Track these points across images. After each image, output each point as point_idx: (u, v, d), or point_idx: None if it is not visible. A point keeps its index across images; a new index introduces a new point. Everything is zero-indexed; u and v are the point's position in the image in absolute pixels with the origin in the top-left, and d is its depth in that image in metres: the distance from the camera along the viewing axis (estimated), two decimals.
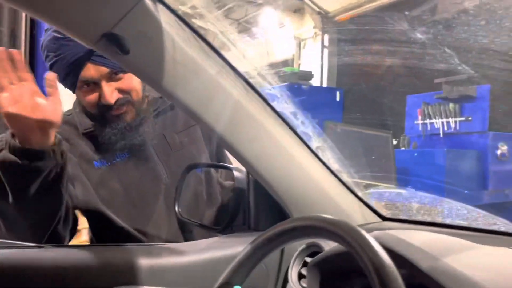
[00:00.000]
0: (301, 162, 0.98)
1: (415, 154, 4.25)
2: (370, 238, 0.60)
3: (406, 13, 5.53)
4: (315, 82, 6.21)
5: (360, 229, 0.63)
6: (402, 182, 3.91)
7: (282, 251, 1.02)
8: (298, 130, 1.02)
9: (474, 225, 1.11)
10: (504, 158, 4.36)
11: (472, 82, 4.48)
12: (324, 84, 6.47)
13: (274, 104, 1.01)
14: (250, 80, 0.95)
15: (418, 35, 5.29)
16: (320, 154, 1.04)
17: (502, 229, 1.09)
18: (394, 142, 4.56)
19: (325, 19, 6.99)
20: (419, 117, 4.79)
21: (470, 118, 4.50)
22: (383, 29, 5.55)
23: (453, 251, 0.84)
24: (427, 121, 4.74)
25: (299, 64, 7.12)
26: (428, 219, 1.23)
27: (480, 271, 0.72)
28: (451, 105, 4.59)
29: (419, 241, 0.90)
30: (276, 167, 0.97)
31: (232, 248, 0.96)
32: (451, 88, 4.47)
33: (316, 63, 7.07)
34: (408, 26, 5.41)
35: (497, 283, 0.65)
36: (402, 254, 0.81)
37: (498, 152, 4.34)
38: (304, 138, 1.03)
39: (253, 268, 0.74)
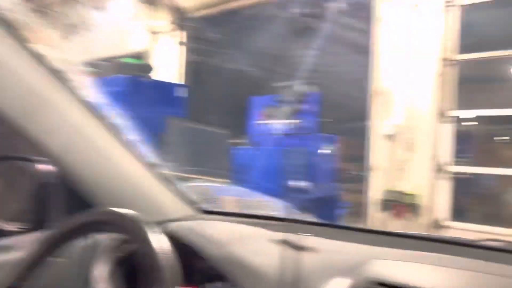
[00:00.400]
0: (111, 155, 0.96)
1: (256, 152, 4.58)
2: (150, 230, 0.63)
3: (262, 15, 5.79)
4: (165, 77, 6.13)
5: (143, 222, 0.64)
6: (240, 178, 4.19)
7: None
8: (111, 123, 0.99)
9: (277, 215, 1.26)
10: (327, 156, 5.04)
11: (306, 88, 5.03)
12: (177, 80, 6.46)
13: (86, 95, 0.96)
14: (62, 70, 0.89)
15: (267, 38, 5.65)
16: (134, 148, 1.03)
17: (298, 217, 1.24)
18: (238, 140, 4.84)
19: (181, 14, 6.97)
20: (262, 118, 5.19)
21: (302, 120, 5.06)
22: (235, 30, 5.75)
23: (242, 239, 0.94)
24: (269, 121, 5.17)
25: (150, 58, 6.96)
26: (243, 211, 1.35)
27: (260, 256, 0.82)
28: (287, 107, 5.09)
29: (218, 231, 0.97)
30: (82, 159, 0.92)
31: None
32: (287, 92, 4.96)
33: (169, 59, 7.00)
34: (259, 29, 5.71)
35: (270, 265, 0.74)
36: (193, 244, 0.87)
37: (324, 151, 4.99)
38: (118, 130, 1.00)
39: (38, 266, 0.70)
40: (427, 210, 4.64)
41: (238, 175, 4.17)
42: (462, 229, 4.45)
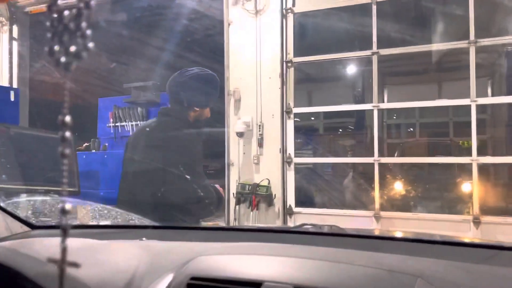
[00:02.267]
0: None
1: (105, 156, 4.35)
2: None
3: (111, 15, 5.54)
4: None
5: None
6: (88, 185, 3.95)
7: None
8: None
9: (115, 222, 1.25)
10: None
11: (157, 89, 4.98)
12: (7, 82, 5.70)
13: None
14: None
15: (115, 39, 5.41)
16: None
17: (137, 223, 1.25)
18: (86, 144, 4.53)
19: (13, 8, 6.18)
20: (111, 120, 4.95)
21: None
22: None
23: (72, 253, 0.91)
24: (118, 123, 4.96)
25: None
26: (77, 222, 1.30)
27: (91, 268, 0.81)
28: (139, 109, 4.97)
29: (47, 247, 0.92)
30: None
31: None
32: (138, 93, 4.84)
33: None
34: (108, 28, 5.44)
35: (99, 276, 0.74)
36: (14, 265, 0.81)
37: None
38: None
39: None
40: (279, 200, 5.06)
41: (87, 182, 3.92)
42: (308, 214, 4.97)
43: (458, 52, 4.35)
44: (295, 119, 5.16)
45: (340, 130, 9.47)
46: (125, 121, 4.96)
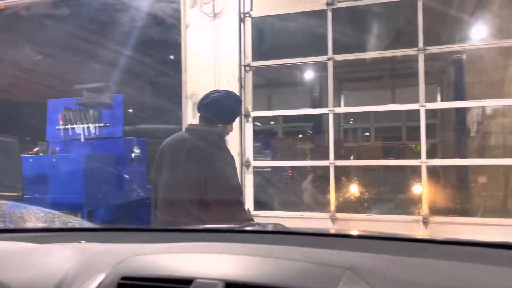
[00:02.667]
0: None
1: (53, 160, 4.19)
2: None
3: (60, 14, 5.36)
4: None
5: None
6: (35, 190, 3.78)
7: None
8: None
9: (52, 225, 1.21)
10: (137, 160, 4.97)
11: (110, 90, 4.85)
12: None
13: None
14: None
15: (65, 39, 5.24)
16: None
17: (76, 226, 1.21)
18: (37, 149, 4.35)
19: None
20: (61, 122, 4.76)
21: (108, 124, 4.86)
22: (33, 27, 5.15)
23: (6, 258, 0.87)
24: (69, 126, 4.78)
25: None
26: (11, 226, 1.25)
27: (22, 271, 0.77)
28: (91, 111, 4.81)
29: None
30: None
31: None
32: (90, 95, 4.69)
33: None
34: (57, 28, 5.26)
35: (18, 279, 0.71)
36: None
37: (133, 155, 4.91)
38: None
39: None
40: None
41: (34, 187, 3.75)
42: (267, 216, 5.00)
43: (410, 59, 4.53)
44: (255, 123, 5.19)
45: (299, 134, 9.63)
46: (76, 124, 4.79)
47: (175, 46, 5.49)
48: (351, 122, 9.89)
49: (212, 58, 5.19)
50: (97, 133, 4.81)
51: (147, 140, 5.48)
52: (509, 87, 4.78)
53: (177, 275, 0.69)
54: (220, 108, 2.55)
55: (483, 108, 5.71)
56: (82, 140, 4.79)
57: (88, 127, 4.75)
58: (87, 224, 1.35)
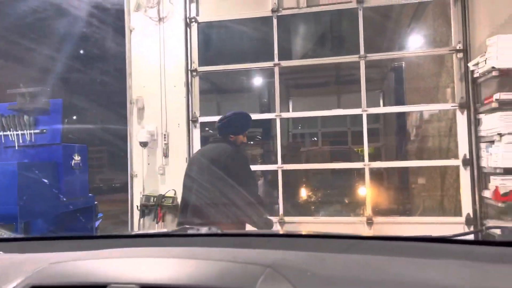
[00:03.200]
0: None
1: None
2: None
3: None
4: None
5: None
6: None
7: None
8: None
9: None
10: (78, 168, 4.76)
11: (46, 95, 4.62)
12: None
13: None
14: None
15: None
16: None
17: None
18: None
19: None
20: None
21: (44, 131, 4.62)
22: None
23: None
24: (1, 133, 4.48)
25: None
26: None
27: None
28: (25, 117, 4.55)
29: None
30: None
31: None
32: (25, 100, 4.43)
33: None
34: None
35: None
36: None
37: (73, 162, 4.69)
38: None
39: None
40: None
41: None
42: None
43: (354, 67, 4.70)
44: (206, 128, 5.13)
45: (249, 139, 9.68)
46: (10, 130, 4.51)
47: (120, 51, 5.35)
48: (299, 128, 10.10)
49: (158, 62, 5.11)
50: (33, 140, 4.55)
51: (89, 146, 5.26)
52: (443, 93, 5.08)
53: (90, 282, 0.66)
54: (230, 124, 3.30)
55: (421, 113, 6.04)
56: (16, 147, 4.51)
57: (23, 134, 4.48)
58: (10, 234, 1.26)
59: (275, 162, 4.97)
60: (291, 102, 9.34)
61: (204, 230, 1.06)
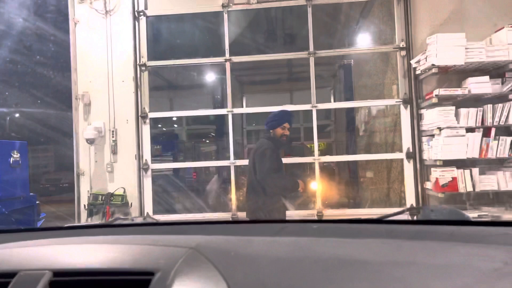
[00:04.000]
0: None
1: None
2: None
3: None
4: None
5: None
6: None
7: None
8: None
9: None
10: (17, 165, 4.52)
11: None
12: None
13: None
14: None
15: None
16: None
17: None
18: None
19: None
20: None
21: None
22: None
23: None
24: None
25: None
26: None
27: None
28: None
29: None
30: None
31: None
32: None
33: None
34: None
35: None
36: None
37: (11, 160, 4.45)
38: None
39: None
40: (136, 208, 4.85)
41: None
42: (169, 220, 4.87)
43: (306, 64, 4.78)
44: (159, 125, 5.05)
45: (203, 136, 9.60)
46: None
47: (64, 44, 5.12)
48: (253, 125, 10.14)
49: (105, 57, 4.94)
50: None
51: (35, 145, 5.01)
52: (389, 89, 5.29)
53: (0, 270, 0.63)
54: (267, 121, 3.98)
55: (369, 109, 6.25)
56: None
57: None
58: None
59: (228, 158, 4.96)
60: (245, 99, 9.36)
61: (138, 220, 1.04)
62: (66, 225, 1.07)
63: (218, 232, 0.86)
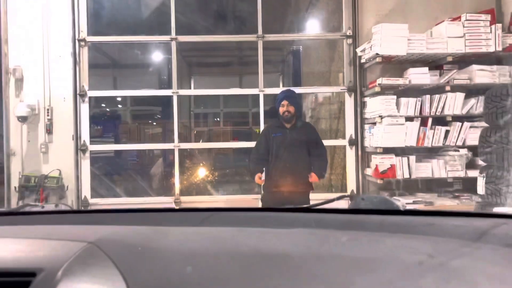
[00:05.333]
0: None
1: None
2: None
3: None
4: None
5: None
6: None
7: None
8: None
9: None
10: None
11: None
12: None
13: None
14: None
15: None
16: None
17: None
18: None
19: None
20: None
21: None
22: None
23: None
24: None
25: None
26: None
27: None
28: None
29: None
30: None
31: None
32: None
33: None
34: None
35: None
36: None
37: None
38: None
39: None
40: (72, 191, 4.61)
41: None
42: (106, 204, 4.68)
43: (256, 47, 4.71)
44: (102, 104, 4.78)
45: (148, 117, 9.31)
46: None
47: None
48: (202, 107, 9.97)
49: (40, 30, 4.58)
50: None
51: None
52: (335, 77, 5.37)
53: None
54: (275, 102, 4.03)
55: (316, 95, 6.33)
56: None
57: None
58: None
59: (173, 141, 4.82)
60: (193, 81, 9.16)
61: (49, 207, 0.94)
62: None
63: (132, 222, 0.78)
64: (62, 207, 0.93)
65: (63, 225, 0.73)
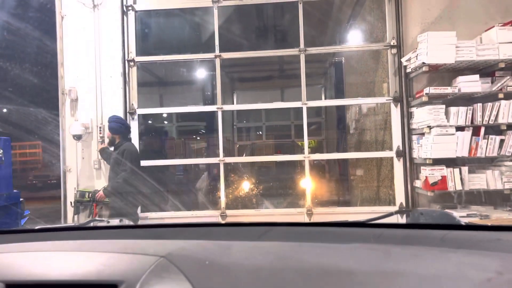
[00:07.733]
0: None
1: None
2: None
3: None
4: None
5: None
6: None
7: None
8: None
9: None
10: (0, 162, 4.43)
11: None
12: None
13: None
14: None
15: None
16: None
17: None
18: None
19: None
20: None
21: None
22: None
23: None
24: None
25: None
26: None
27: None
28: None
29: None
30: None
31: None
32: None
33: None
34: None
35: None
36: None
37: None
38: None
39: None
40: None
41: None
42: (157, 218, 4.82)
43: (297, 61, 4.73)
44: (149, 121, 4.96)
45: (193, 133, 9.53)
46: None
47: (51, 38, 5.01)
48: (244, 122, 10.09)
49: (93, 52, 4.85)
50: None
51: (22, 141, 4.91)
52: (379, 87, 5.28)
53: None
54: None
55: (360, 107, 6.24)
56: None
57: None
58: None
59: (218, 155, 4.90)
60: (236, 95, 9.30)
61: (114, 222, 0.99)
62: (36, 228, 1.01)
63: (195, 236, 0.81)
64: (126, 222, 0.98)
65: (133, 239, 0.77)
